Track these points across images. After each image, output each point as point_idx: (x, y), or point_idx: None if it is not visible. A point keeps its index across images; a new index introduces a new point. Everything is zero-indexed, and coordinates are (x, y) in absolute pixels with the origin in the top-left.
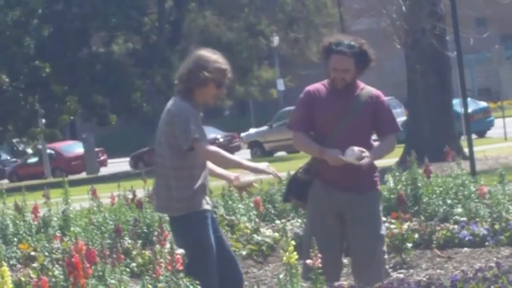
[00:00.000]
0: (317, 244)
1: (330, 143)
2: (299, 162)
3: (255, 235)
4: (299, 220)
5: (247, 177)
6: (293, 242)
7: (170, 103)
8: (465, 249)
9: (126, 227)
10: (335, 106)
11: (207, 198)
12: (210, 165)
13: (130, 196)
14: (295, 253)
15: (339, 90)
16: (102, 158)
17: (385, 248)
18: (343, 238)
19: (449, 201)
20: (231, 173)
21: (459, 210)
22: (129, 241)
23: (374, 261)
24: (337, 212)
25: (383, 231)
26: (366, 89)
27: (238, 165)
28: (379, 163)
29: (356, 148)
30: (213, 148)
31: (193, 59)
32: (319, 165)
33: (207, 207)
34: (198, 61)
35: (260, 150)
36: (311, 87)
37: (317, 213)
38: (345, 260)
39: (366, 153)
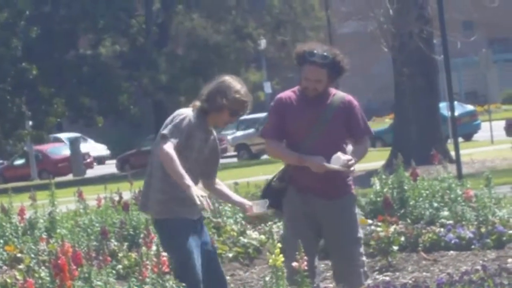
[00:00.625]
0: (292, 249)
1: (303, 150)
2: None
3: (241, 238)
4: None
5: (260, 208)
6: (279, 245)
7: (183, 110)
8: (451, 252)
9: (113, 229)
10: (307, 113)
11: (193, 208)
12: (225, 190)
13: (117, 198)
14: (281, 255)
15: (310, 97)
16: (88, 160)
17: (362, 250)
18: (318, 243)
19: (435, 204)
20: (246, 201)
21: (446, 213)
22: (115, 243)
23: (353, 264)
24: (312, 217)
25: (360, 233)
26: (338, 95)
27: (179, 180)
28: (365, 166)
29: (342, 155)
30: (169, 150)
31: (216, 82)
32: (293, 172)
33: (188, 216)
34: (220, 85)
35: (247, 153)
36: (283, 95)
37: (292, 219)
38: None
39: (352, 160)
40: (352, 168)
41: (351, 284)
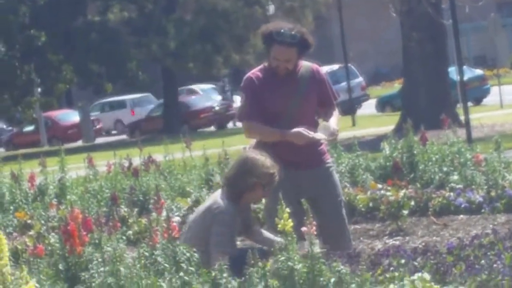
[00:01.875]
0: (274, 216)
1: (283, 125)
2: None
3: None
4: None
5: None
6: (288, 210)
7: (214, 197)
8: (461, 216)
9: (122, 195)
10: (283, 91)
11: None
12: (267, 235)
13: (126, 164)
14: (290, 220)
15: (282, 75)
16: (98, 126)
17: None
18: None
19: (445, 169)
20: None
21: (455, 177)
22: (125, 209)
23: (343, 227)
24: (296, 191)
25: (342, 196)
26: (304, 66)
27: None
28: (375, 131)
29: (328, 124)
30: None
31: (240, 163)
32: (271, 149)
33: None
34: (245, 165)
35: None
36: (252, 75)
37: (275, 191)
38: None
39: (336, 128)
40: (336, 136)
41: (338, 245)
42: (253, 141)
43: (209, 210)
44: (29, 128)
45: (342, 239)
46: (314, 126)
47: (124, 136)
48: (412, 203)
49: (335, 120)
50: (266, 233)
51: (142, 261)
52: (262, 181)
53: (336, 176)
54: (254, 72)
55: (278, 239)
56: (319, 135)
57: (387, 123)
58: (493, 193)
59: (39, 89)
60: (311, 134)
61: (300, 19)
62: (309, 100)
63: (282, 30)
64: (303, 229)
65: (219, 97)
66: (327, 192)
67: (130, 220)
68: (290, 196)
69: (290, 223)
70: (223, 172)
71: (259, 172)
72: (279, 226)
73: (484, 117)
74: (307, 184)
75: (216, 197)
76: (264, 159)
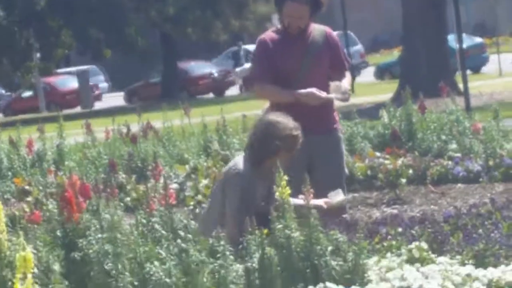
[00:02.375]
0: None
1: (296, 86)
2: None
3: None
4: None
5: (339, 196)
6: (285, 177)
7: (234, 161)
8: (459, 185)
9: (121, 161)
10: (295, 50)
11: None
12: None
13: (125, 131)
14: (287, 187)
15: (294, 35)
16: (96, 92)
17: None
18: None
19: (443, 137)
20: (319, 200)
21: (454, 146)
22: (124, 175)
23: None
24: (304, 156)
25: (346, 168)
26: (317, 28)
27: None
28: (373, 99)
29: (339, 84)
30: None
31: (261, 126)
32: (284, 110)
33: None
34: (267, 128)
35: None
36: (265, 36)
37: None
38: None
39: (348, 87)
40: (348, 95)
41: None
42: (266, 104)
43: (227, 173)
44: (28, 93)
45: (341, 213)
46: (326, 90)
47: (122, 102)
48: (410, 171)
49: (347, 81)
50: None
51: (140, 228)
52: (286, 144)
53: (343, 147)
54: (267, 33)
55: (299, 201)
56: (331, 95)
57: (386, 91)
58: (491, 162)
59: (38, 54)
60: (323, 94)
61: None
62: (321, 61)
63: None
64: (300, 197)
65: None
66: (333, 161)
67: (128, 187)
68: (302, 163)
69: (288, 191)
70: (221, 139)
71: (283, 135)
72: (277, 193)
73: (483, 85)
74: (317, 150)
75: (236, 160)
76: (287, 121)
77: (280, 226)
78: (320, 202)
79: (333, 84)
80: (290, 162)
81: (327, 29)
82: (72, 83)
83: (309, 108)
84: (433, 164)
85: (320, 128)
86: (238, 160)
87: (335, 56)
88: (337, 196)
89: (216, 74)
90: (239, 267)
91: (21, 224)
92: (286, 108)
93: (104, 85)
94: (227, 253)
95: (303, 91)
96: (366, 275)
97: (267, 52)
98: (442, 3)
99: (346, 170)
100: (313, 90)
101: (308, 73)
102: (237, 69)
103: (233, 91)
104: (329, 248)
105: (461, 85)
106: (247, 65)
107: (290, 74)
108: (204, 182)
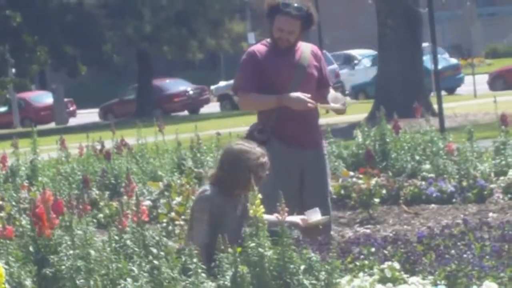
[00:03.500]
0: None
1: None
2: None
3: None
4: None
5: (316, 216)
6: (259, 196)
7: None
8: (432, 205)
9: (94, 178)
10: (286, 64)
11: None
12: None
13: (99, 147)
14: (261, 206)
15: (283, 49)
16: (71, 108)
17: None
18: (298, 199)
19: (417, 157)
20: (296, 217)
21: (427, 166)
22: (97, 192)
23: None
24: (296, 170)
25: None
26: (304, 44)
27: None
28: (348, 118)
29: (338, 94)
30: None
31: (228, 157)
32: (276, 123)
33: None
34: (236, 161)
35: (229, 103)
36: (255, 48)
37: (276, 172)
38: None
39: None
40: (345, 107)
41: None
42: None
43: (196, 198)
44: (3, 108)
45: (326, 230)
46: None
47: (97, 118)
48: (384, 191)
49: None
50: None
51: (112, 245)
52: (257, 174)
53: (327, 161)
54: (257, 45)
55: (294, 218)
56: (332, 105)
57: (360, 111)
58: (464, 183)
59: (13, 70)
60: (308, 99)
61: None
62: (310, 77)
63: (288, 1)
64: (275, 215)
65: None
66: (319, 178)
67: (101, 203)
68: (295, 179)
69: (261, 209)
70: (196, 157)
71: (253, 165)
72: (251, 211)
73: (457, 106)
74: (307, 166)
75: (205, 187)
76: (254, 150)
77: (253, 244)
78: (297, 219)
79: (332, 94)
80: (283, 180)
81: (313, 46)
82: (47, 99)
83: (297, 122)
84: (406, 184)
85: (311, 140)
86: (207, 188)
87: (321, 73)
88: (314, 215)
89: (191, 92)
90: (211, 285)
91: None
92: (276, 119)
93: None
94: (199, 270)
95: (288, 94)
96: None
97: (255, 63)
98: (418, 23)
99: (330, 188)
100: (299, 94)
101: (299, 87)
102: (212, 87)
103: (208, 109)
104: (302, 266)
105: (435, 106)
106: (222, 83)
107: (280, 87)
108: (178, 199)
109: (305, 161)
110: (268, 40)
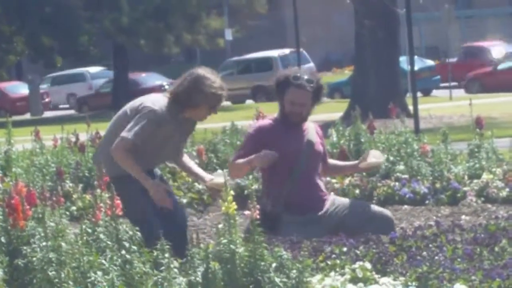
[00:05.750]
0: None
1: (297, 175)
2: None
3: (196, 184)
4: None
5: (221, 178)
6: (232, 192)
7: (150, 98)
8: (405, 206)
9: (68, 170)
10: (294, 139)
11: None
12: (188, 162)
13: (73, 140)
14: (234, 203)
15: (292, 124)
16: (47, 100)
17: None
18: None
19: (391, 158)
20: (206, 175)
21: (401, 167)
22: (70, 184)
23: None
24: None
25: None
26: (308, 122)
27: (137, 176)
28: (323, 117)
29: (375, 150)
30: (121, 149)
31: (190, 79)
32: (288, 195)
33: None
34: (194, 82)
35: None
36: (262, 123)
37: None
38: None
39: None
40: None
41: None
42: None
43: (137, 106)
44: None
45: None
46: (319, 177)
47: (72, 111)
48: (357, 191)
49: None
50: (192, 163)
51: (84, 238)
52: (209, 101)
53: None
54: (265, 121)
55: (205, 174)
56: (375, 161)
57: (336, 110)
58: (438, 185)
59: None
60: (372, 161)
61: (253, 2)
62: (318, 151)
63: (298, 74)
64: (246, 212)
65: None
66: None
67: (75, 196)
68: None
69: (234, 206)
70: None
71: (207, 91)
72: (223, 208)
73: (432, 108)
74: (323, 225)
75: (152, 99)
76: (215, 79)
77: (225, 240)
78: (206, 177)
79: (372, 152)
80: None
81: (315, 124)
82: (23, 90)
83: (305, 189)
84: (380, 184)
85: (321, 205)
86: (158, 99)
87: (324, 149)
88: (219, 178)
89: (166, 86)
90: (182, 280)
91: None
92: (293, 191)
93: None
94: (171, 265)
95: (258, 154)
96: None
97: (260, 139)
98: (395, 24)
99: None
100: (266, 151)
101: (308, 162)
102: None
103: None
104: (273, 264)
105: (411, 107)
106: None
107: (289, 162)
108: None
109: (321, 223)
110: (276, 115)
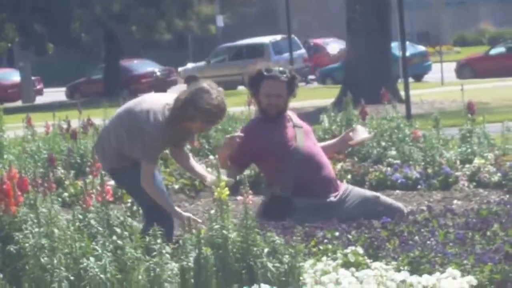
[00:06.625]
0: None
1: (299, 156)
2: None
3: None
4: None
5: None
6: (224, 178)
7: (156, 108)
8: (397, 191)
9: (60, 157)
10: (283, 128)
11: None
12: (191, 163)
13: (65, 126)
14: (226, 188)
15: (273, 117)
16: (38, 87)
17: None
18: None
19: (383, 143)
20: (207, 174)
21: (393, 152)
22: (62, 171)
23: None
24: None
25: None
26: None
27: (169, 210)
28: (314, 103)
29: (360, 126)
30: (150, 183)
31: (191, 91)
32: (296, 178)
33: None
34: (193, 95)
35: None
36: (245, 126)
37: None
38: None
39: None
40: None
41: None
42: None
43: (144, 119)
44: None
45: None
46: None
47: (63, 97)
48: (349, 176)
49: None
50: (195, 164)
51: (76, 224)
52: (202, 116)
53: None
54: (247, 125)
55: (207, 174)
56: (364, 137)
57: (327, 96)
58: (430, 170)
59: None
60: (360, 138)
61: None
62: (307, 128)
63: (271, 66)
64: (239, 198)
65: None
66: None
67: (66, 182)
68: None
69: (226, 192)
70: None
71: (201, 107)
72: (215, 194)
73: (424, 93)
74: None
75: (153, 110)
76: (215, 96)
77: (217, 226)
78: (207, 178)
79: (357, 127)
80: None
81: (292, 111)
82: (14, 77)
83: (317, 171)
84: (372, 170)
85: (334, 188)
86: (157, 109)
87: (310, 127)
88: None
89: (158, 73)
90: (174, 266)
91: None
92: (304, 174)
93: None
94: (163, 251)
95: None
96: (301, 277)
97: (247, 142)
98: (387, 10)
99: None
100: (227, 136)
101: (304, 140)
102: (180, 69)
103: (175, 90)
104: (266, 249)
105: (402, 93)
106: (190, 65)
107: (286, 146)
108: None
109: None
110: (255, 116)
